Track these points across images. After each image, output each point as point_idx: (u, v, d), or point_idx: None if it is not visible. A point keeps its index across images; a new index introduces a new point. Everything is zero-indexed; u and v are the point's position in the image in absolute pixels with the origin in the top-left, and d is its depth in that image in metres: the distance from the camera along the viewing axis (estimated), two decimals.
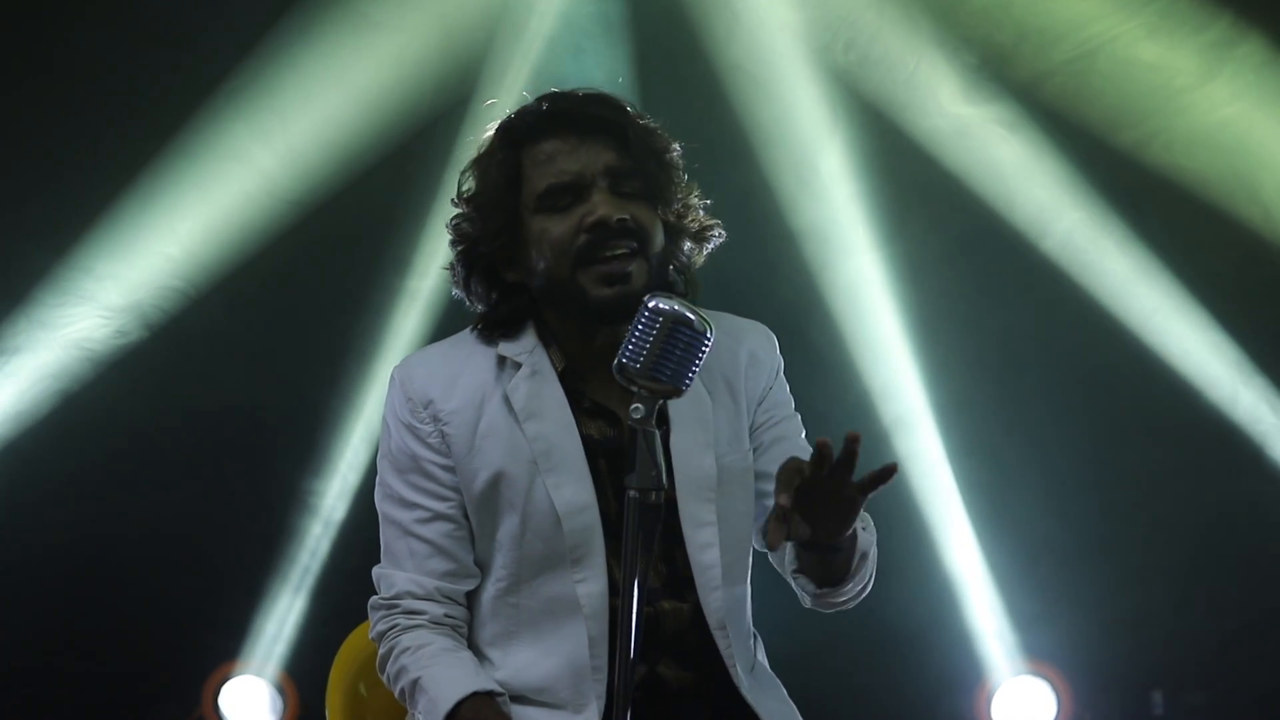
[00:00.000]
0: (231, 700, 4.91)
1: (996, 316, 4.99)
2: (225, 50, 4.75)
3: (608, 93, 2.45)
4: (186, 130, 4.77)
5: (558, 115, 2.38)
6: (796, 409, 2.60)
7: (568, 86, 2.48)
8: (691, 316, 2.09)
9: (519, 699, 2.40)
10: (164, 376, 4.89)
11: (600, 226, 2.33)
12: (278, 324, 4.95)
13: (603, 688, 2.36)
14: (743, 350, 2.53)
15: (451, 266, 2.48)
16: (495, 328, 2.44)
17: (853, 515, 2.20)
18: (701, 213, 2.48)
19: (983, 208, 4.88)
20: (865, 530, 2.40)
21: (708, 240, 2.49)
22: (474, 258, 2.44)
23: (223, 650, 4.94)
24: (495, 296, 2.44)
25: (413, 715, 2.41)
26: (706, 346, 2.11)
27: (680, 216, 2.44)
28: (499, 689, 2.37)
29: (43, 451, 4.83)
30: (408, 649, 2.40)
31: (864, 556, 2.39)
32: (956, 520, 4.96)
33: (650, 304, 2.09)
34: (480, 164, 2.44)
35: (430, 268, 4.82)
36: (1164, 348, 4.90)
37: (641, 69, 4.71)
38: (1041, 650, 4.97)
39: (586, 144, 2.36)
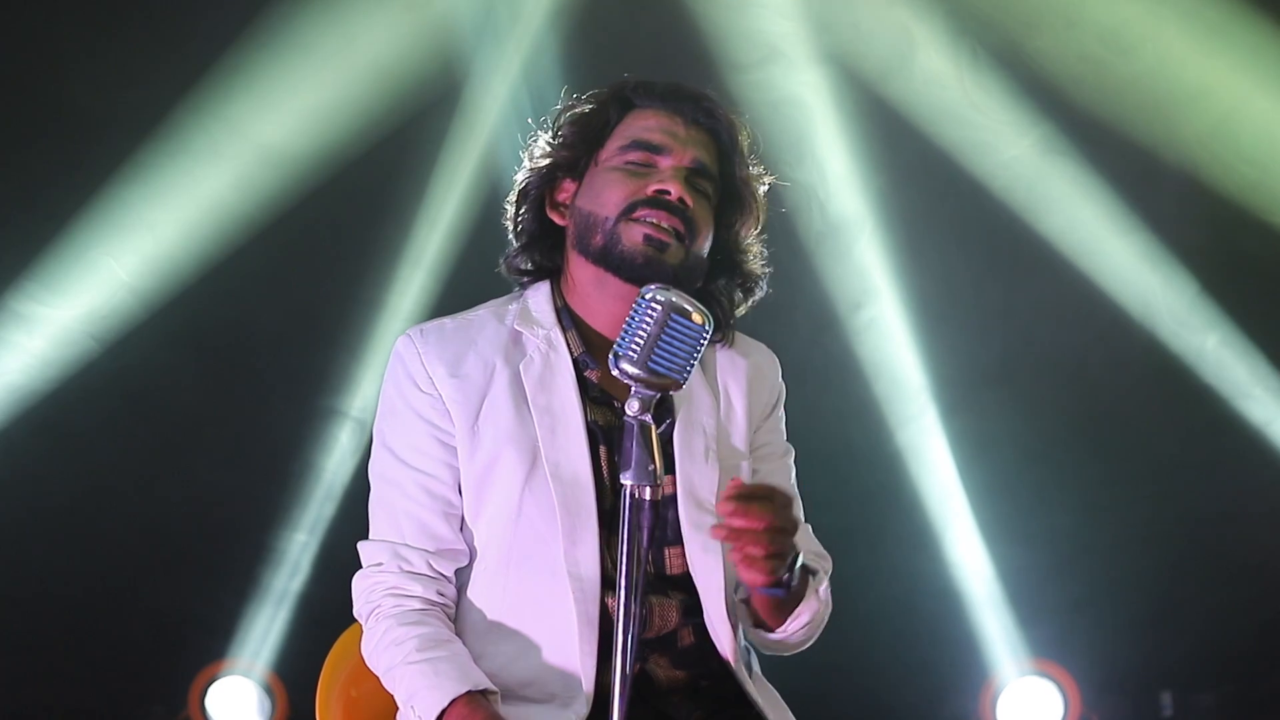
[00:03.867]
0: (218, 701, 4.89)
1: (1002, 309, 5.00)
2: (213, 34, 4.72)
3: (729, 110, 2.52)
4: (171, 118, 4.73)
5: (677, 96, 2.48)
6: (804, 410, 2.65)
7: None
8: (689, 308, 2.10)
9: (506, 694, 2.37)
10: (148, 373, 4.85)
11: (662, 196, 2.41)
12: (263, 321, 4.91)
13: (591, 682, 2.33)
14: (749, 361, 2.57)
15: (514, 194, 2.57)
16: (522, 261, 2.53)
17: (766, 567, 2.18)
18: (755, 259, 2.55)
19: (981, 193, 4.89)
20: (817, 590, 2.40)
21: (749, 287, 2.56)
22: (536, 185, 2.52)
23: (209, 650, 4.91)
24: (535, 231, 2.53)
25: (403, 709, 2.36)
26: (704, 339, 2.12)
27: (734, 246, 2.52)
28: (490, 685, 2.33)
29: (26, 451, 4.80)
30: (394, 637, 2.37)
31: (804, 615, 2.38)
32: (961, 517, 4.95)
33: (647, 294, 2.11)
34: (583, 105, 2.53)
35: (420, 263, 4.82)
36: (1176, 344, 4.90)
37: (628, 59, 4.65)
38: (1048, 650, 4.96)
39: (689, 130, 2.46)
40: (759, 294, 2.58)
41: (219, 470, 4.92)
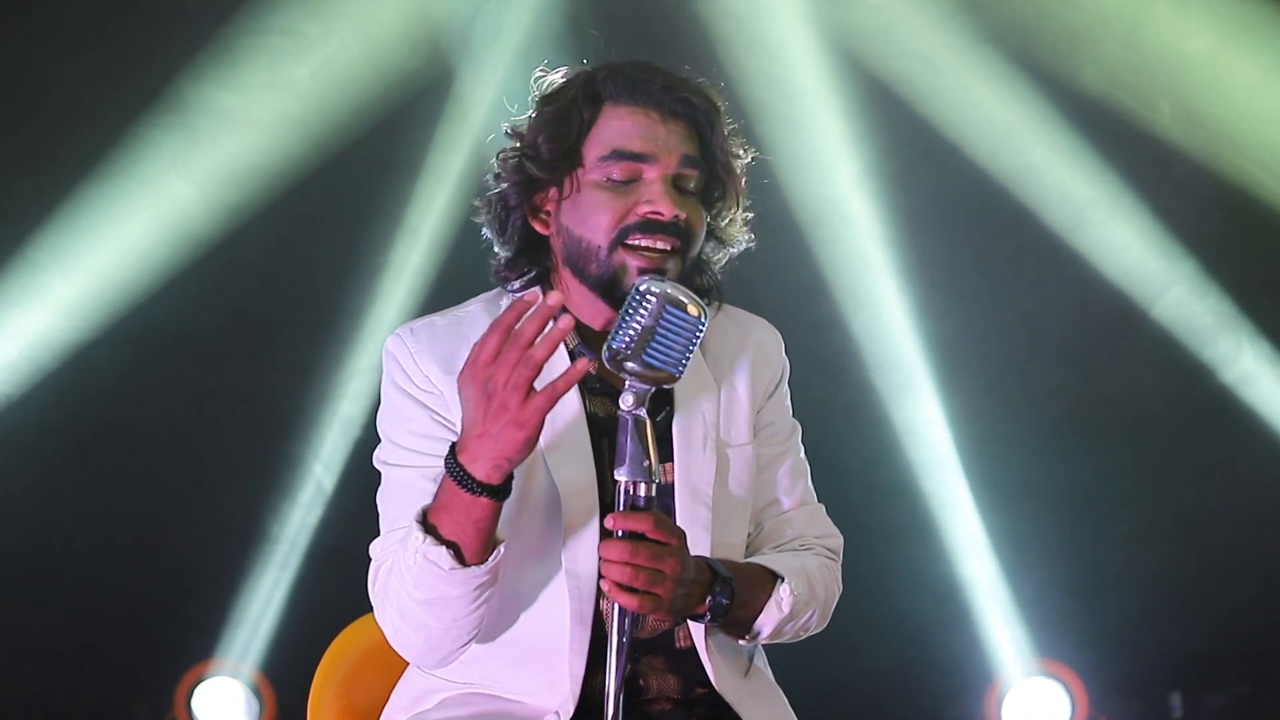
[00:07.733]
0: (205, 702, 4.86)
1: (1008, 300, 4.98)
2: (201, 19, 4.70)
3: (704, 84, 2.43)
4: (160, 106, 4.72)
5: (650, 88, 2.35)
6: (803, 405, 2.60)
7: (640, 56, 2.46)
8: (684, 300, 2.11)
9: (494, 693, 2.36)
10: (133, 369, 4.83)
11: (654, 220, 2.31)
12: (249, 318, 4.88)
13: (579, 683, 2.31)
14: (750, 340, 2.53)
15: (486, 201, 2.45)
16: (512, 274, 2.45)
17: (632, 601, 2.16)
18: (741, 223, 2.50)
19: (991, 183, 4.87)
20: (779, 600, 2.35)
21: (735, 246, 2.51)
22: (515, 196, 2.41)
23: (196, 650, 4.88)
24: (521, 243, 2.44)
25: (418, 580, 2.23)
26: (701, 331, 2.13)
27: (726, 224, 2.47)
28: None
29: (5, 448, 4.78)
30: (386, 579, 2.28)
31: (765, 629, 2.36)
32: (966, 516, 4.93)
33: (642, 287, 2.11)
34: (552, 107, 2.39)
35: (408, 260, 4.79)
36: (1185, 337, 4.89)
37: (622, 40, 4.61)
38: (1055, 650, 4.93)
39: (668, 125, 2.35)
40: (741, 245, 2.50)
41: (205, 469, 4.89)
